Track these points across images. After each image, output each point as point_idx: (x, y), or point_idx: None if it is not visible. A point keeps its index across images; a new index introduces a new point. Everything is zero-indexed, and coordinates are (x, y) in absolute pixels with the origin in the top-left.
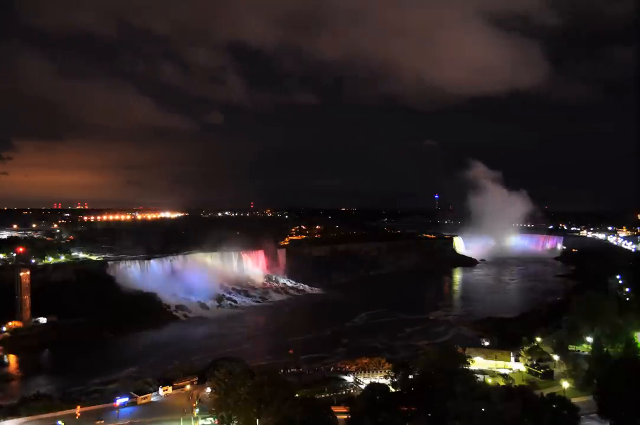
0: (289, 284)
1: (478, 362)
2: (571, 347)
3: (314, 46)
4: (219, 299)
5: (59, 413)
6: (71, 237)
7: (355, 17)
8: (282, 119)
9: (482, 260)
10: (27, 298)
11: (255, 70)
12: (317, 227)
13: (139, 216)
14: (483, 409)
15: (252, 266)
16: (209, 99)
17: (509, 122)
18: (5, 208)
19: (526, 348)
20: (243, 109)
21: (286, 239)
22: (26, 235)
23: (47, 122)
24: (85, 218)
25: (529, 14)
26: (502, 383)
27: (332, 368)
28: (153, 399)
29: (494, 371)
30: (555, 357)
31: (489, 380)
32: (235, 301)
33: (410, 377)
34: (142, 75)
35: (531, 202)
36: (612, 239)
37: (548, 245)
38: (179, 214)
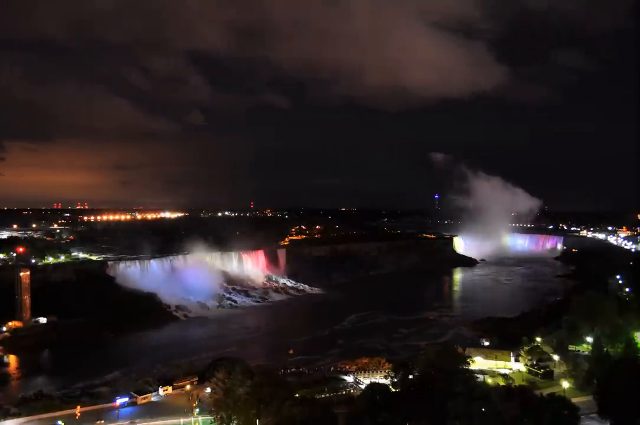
0: (289, 284)
1: (478, 362)
2: (571, 347)
3: (270, 53)
4: (219, 299)
5: (58, 413)
6: (71, 237)
7: (299, 25)
8: (256, 121)
9: (482, 260)
10: (27, 298)
11: (221, 76)
12: (317, 227)
13: (139, 216)
14: (483, 409)
15: (252, 266)
16: (183, 101)
17: (482, 122)
18: (5, 208)
19: (526, 348)
20: (218, 111)
21: (286, 239)
22: (26, 235)
23: (34, 123)
24: (85, 218)
25: (471, 19)
26: (502, 383)
27: (332, 368)
28: (153, 399)
29: (494, 371)
30: (555, 357)
31: (489, 380)
32: (235, 301)
33: (410, 377)
34: (112, 79)
35: (529, 199)
36: (612, 239)
37: (548, 245)
38: (179, 214)
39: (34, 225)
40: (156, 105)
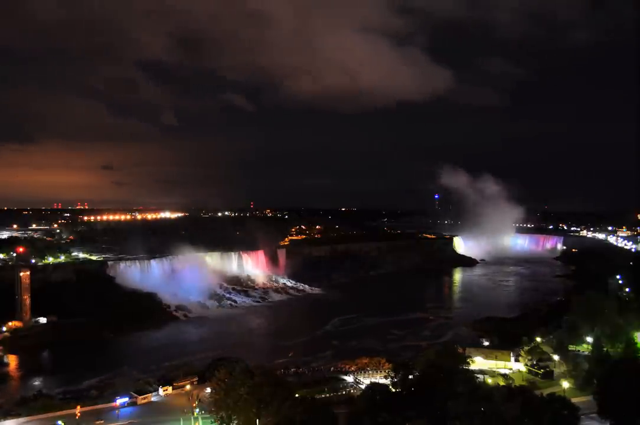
0: (289, 284)
1: (478, 362)
2: (571, 347)
3: (213, 61)
4: (219, 299)
5: (59, 413)
6: (71, 237)
7: (229, 35)
8: (231, 123)
9: (482, 260)
10: (27, 298)
11: (176, 81)
12: (317, 227)
13: (139, 216)
14: (483, 409)
15: (252, 266)
16: (148, 105)
17: (453, 123)
18: (5, 208)
19: (526, 348)
20: (190, 113)
21: (286, 239)
22: (26, 235)
23: (15, 125)
24: (85, 218)
25: (399, 27)
26: (502, 383)
27: (332, 368)
28: (153, 399)
29: (494, 371)
30: (555, 357)
31: (489, 380)
32: (235, 301)
33: (411, 377)
34: (75, 84)
35: (527, 200)
36: (612, 239)
37: (548, 245)
38: (179, 214)
39: (34, 225)
40: (125, 107)
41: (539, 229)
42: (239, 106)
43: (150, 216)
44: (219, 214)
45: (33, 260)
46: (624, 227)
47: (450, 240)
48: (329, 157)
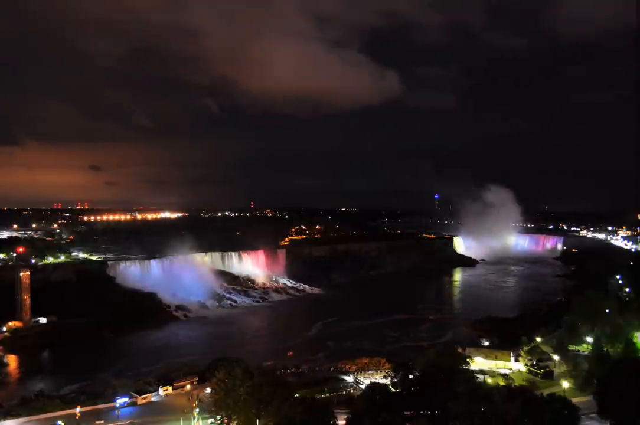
0: (289, 284)
1: (478, 362)
2: (571, 347)
3: (178, 69)
4: (219, 299)
5: (59, 413)
6: (71, 237)
7: (164, 50)
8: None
9: (482, 260)
10: (27, 298)
11: (148, 87)
12: (317, 227)
13: (139, 216)
14: (483, 409)
15: (252, 266)
16: (119, 107)
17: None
18: (5, 208)
19: (526, 348)
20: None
21: (286, 239)
22: (26, 235)
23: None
24: (85, 218)
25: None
26: (502, 383)
27: (332, 368)
28: (153, 399)
29: (494, 371)
30: (555, 357)
31: (489, 380)
32: (235, 301)
33: (411, 377)
34: (46, 88)
35: (528, 200)
36: (612, 239)
37: (548, 245)
38: (179, 214)
39: (34, 225)
40: (98, 111)
41: (539, 229)
42: (213, 109)
43: (150, 216)
44: (219, 214)
45: (33, 260)
46: (624, 227)
47: (450, 240)
48: (329, 158)
